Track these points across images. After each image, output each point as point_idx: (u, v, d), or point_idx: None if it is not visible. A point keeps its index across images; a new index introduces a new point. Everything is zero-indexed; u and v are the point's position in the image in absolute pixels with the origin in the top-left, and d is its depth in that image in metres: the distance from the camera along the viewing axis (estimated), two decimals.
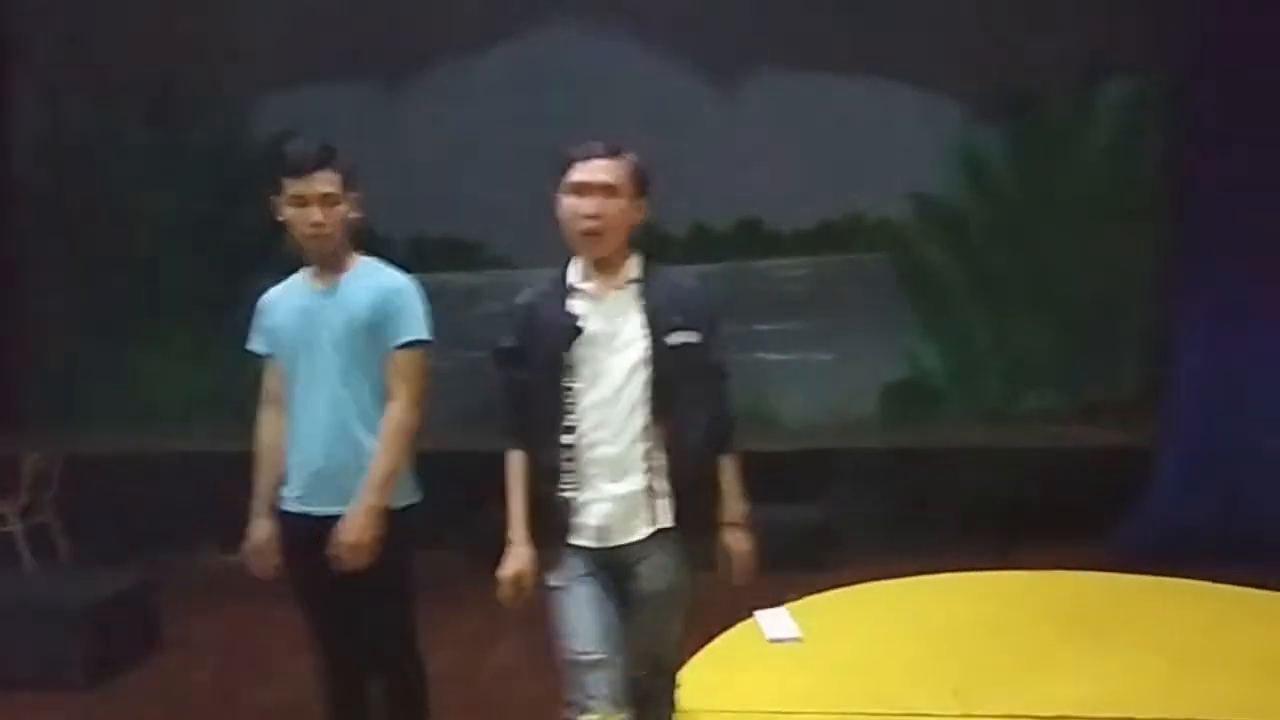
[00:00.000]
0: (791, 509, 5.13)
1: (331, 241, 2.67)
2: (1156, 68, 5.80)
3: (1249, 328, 5.25)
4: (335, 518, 2.62)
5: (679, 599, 2.39)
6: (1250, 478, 5.17)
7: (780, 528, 4.27)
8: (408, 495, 2.74)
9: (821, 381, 6.20)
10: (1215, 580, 3.09)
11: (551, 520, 2.36)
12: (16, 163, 6.51)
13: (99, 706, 3.85)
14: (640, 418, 2.32)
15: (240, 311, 2.91)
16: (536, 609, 2.39)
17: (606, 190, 2.32)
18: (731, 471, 2.43)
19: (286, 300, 2.76)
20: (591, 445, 2.33)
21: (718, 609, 2.63)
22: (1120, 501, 5.27)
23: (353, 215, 2.70)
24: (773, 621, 2.79)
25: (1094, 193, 6.04)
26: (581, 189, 2.32)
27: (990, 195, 6.17)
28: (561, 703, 2.32)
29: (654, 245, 2.50)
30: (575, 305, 2.36)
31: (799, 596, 2.98)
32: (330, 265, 2.71)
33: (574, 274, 2.40)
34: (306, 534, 2.66)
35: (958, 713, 2.31)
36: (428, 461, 2.81)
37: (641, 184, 2.38)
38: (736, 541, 2.42)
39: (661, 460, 2.33)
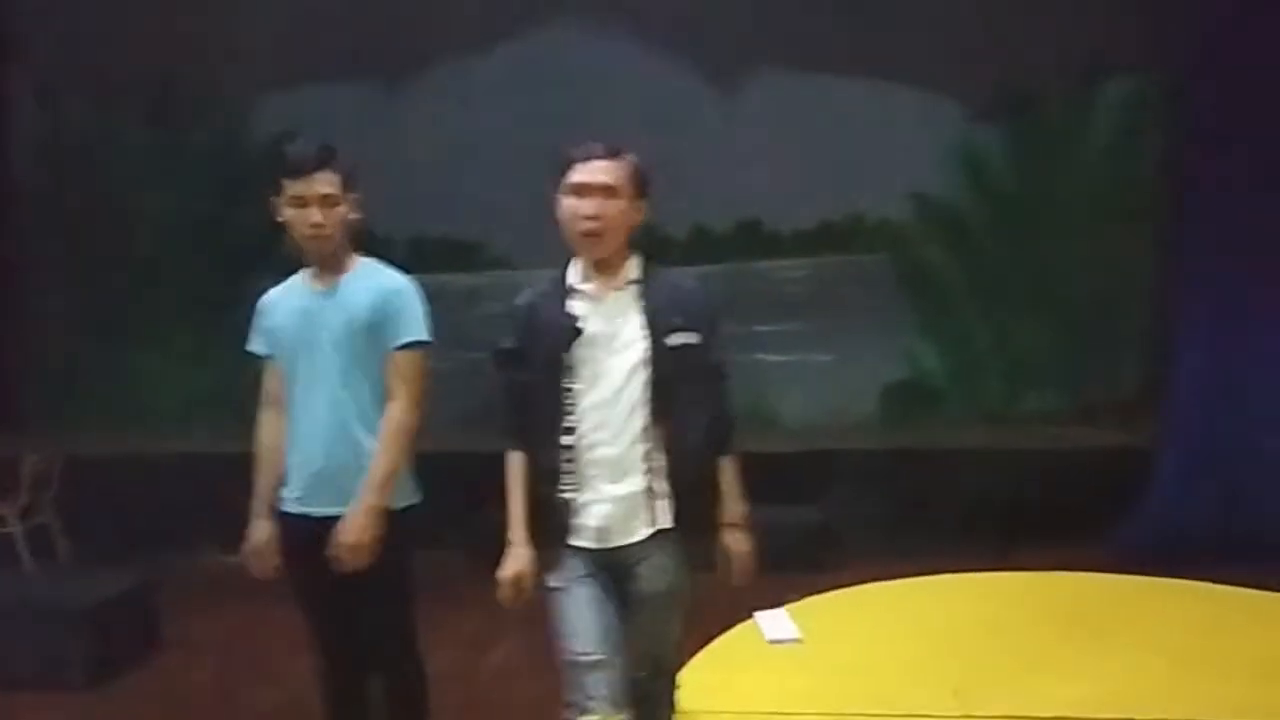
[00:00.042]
0: (791, 510, 5.12)
1: (331, 242, 2.67)
2: (1156, 68, 5.80)
3: (1249, 328, 5.24)
4: (335, 518, 2.61)
5: (679, 600, 2.39)
6: (1250, 478, 5.17)
7: (780, 529, 4.27)
8: (407, 496, 2.74)
9: (821, 382, 6.20)
10: (1215, 581, 3.09)
11: (551, 521, 2.35)
12: (16, 163, 6.51)
13: (99, 707, 3.84)
14: (640, 419, 2.32)
15: (240, 312, 2.91)
16: (535, 610, 2.39)
17: (606, 191, 2.32)
18: (731, 472, 2.43)
19: (286, 301, 2.76)
20: (591, 446, 2.33)
21: (717, 610, 2.63)
22: (1120, 502, 5.26)
23: (353, 216, 2.70)
24: (772, 622, 2.79)
25: (1094, 193, 6.04)
26: (581, 190, 2.32)
27: (990, 196, 6.17)
28: (560, 703, 2.32)
29: (654, 246, 2.50)
30: (575, 306, 2.36)
31: (799, 597, 2.98)
32: (330, 266, 2.71)
33: (573, 275, 2.40)
34: (306, 535, 2.66)
35: (958, 713, 2.31)
36: (427, 462, 2.80)
37: (641, 185, 2.38)
38: (736, 542, 2.42)
39: (661, 461, 2.33)
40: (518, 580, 2.36)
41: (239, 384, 3.02)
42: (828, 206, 6.18)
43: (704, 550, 2.39)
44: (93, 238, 6.46)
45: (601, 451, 2.33)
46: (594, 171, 2.32)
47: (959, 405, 6.23)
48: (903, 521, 5.20)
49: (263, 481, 2.76)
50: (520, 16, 6.16)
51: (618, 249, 2.38)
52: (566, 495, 2.34)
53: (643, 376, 2.32)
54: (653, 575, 2.34)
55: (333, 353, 2.66)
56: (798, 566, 4.08)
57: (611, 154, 2.35)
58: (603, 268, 2.38)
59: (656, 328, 2.33)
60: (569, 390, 2.32)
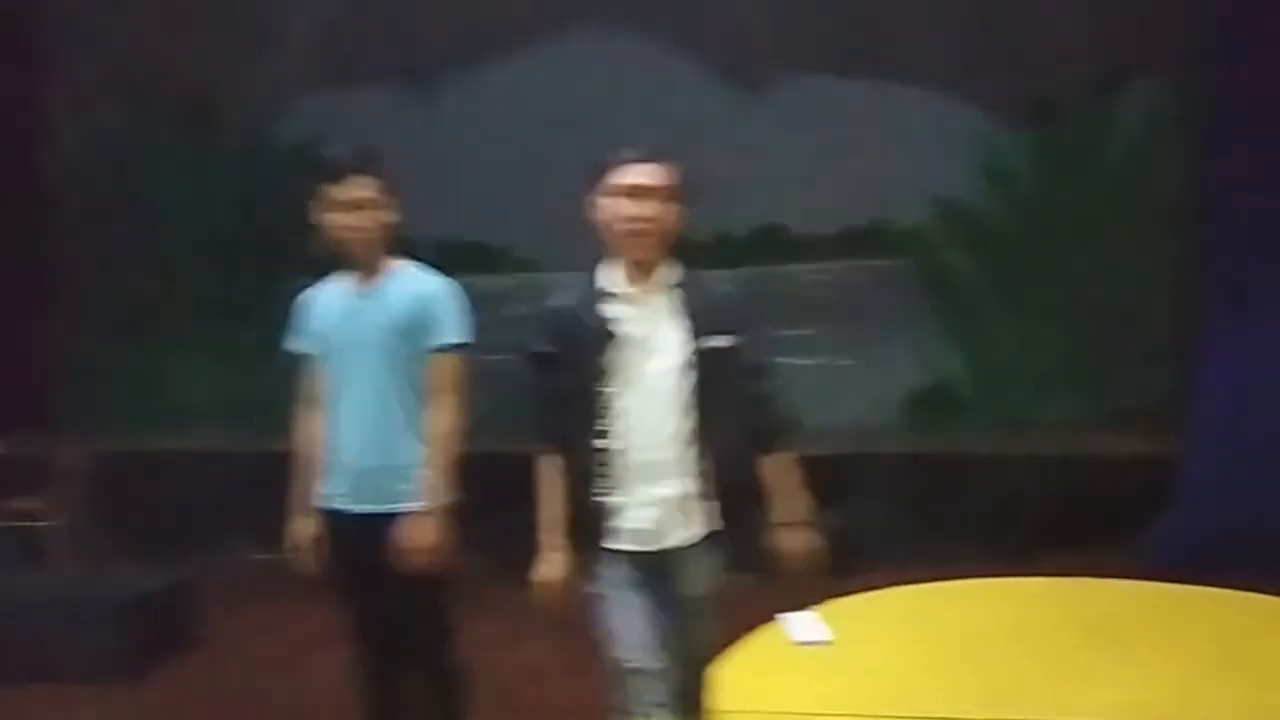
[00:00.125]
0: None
1: (370, 246, 2.72)
2: (1180, 74, 5.78)
3: (1275, 333, 5.22)
4: (374, 516, 2.66)
5: (717, 602, 2.41)
6: (1278, 484, 5.14)
7: None
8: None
9: (844, 387, 6.18)
10: (1242, 588, 3.08)
11: (588, 525, 2.37)
12: (47, 167, 6.60)
13: (134, 702, 3.89)
14: (678, 422, 2.34)
15: (270, 313, 2.96)
16: (557, 612, 2.40)
17: (660, 193, 2.36)
18: (784, 471, 2.43)
19: (327, 301, 2.81)
20: (628, 450, 2.34)
21: (744, 612, 2.64)
22: (1147, 509, 5.23)
23: (390, 220, 2.74)
24: (800, 624, 2.81)
25: (1118, 198, 6.02)
26: (636, 191, 2.35)
27: (1014, 202, 6.15)
28: (586, 706, 2.33)
29: (678, 251, 2.52)
30: (610, 309, 2.38)
31: (819, 602, 2.99)
32: (370, 269, 2.75)
33: (606, 278, 2.42)
34: (345, 532, 2.70)
35: (984, 718, 2.32)
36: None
37: (683, 192, 2.42)
38: (795, 541, 2.42)
39: (699, 464, 2.35)
40: (552, 584, 2.38)
41: (268, 384, 3.06)
42: (851, 211, 6.17)
43: (744, 553, 2.40)
44: (123, 240, 6.54)
45: (638, 455, 2.34)
46: (650, 174, 2.36)
47: (983, 411, 6.20)
48: (925, 527, 5.19)
49: (302, 480, 2.80)
50: (546, 21, 6.19)
51: (662, 252, 2.41)
52: (603, 499, 2.36)
53: (679, 380, 2.34)
54: (693, 578, 2.37)
55: (374, 354, 2.70)
56: (819, 571, 4.07)
57: (661, 158, 2.39)
58: (640, 271, 2.40)
59: (695, 331, 2.35)
60: (604, 394, 2.34)
